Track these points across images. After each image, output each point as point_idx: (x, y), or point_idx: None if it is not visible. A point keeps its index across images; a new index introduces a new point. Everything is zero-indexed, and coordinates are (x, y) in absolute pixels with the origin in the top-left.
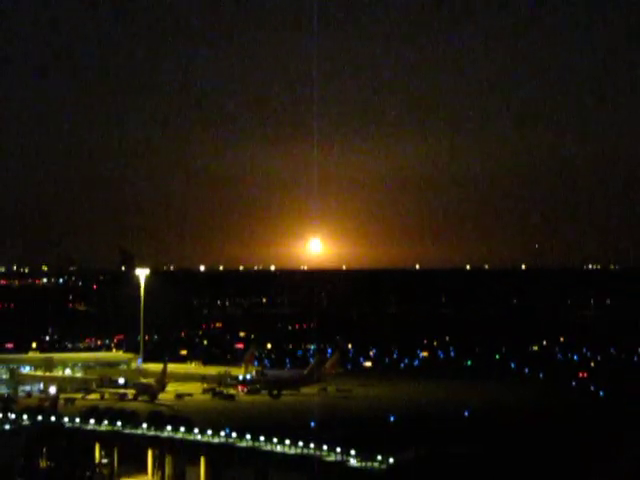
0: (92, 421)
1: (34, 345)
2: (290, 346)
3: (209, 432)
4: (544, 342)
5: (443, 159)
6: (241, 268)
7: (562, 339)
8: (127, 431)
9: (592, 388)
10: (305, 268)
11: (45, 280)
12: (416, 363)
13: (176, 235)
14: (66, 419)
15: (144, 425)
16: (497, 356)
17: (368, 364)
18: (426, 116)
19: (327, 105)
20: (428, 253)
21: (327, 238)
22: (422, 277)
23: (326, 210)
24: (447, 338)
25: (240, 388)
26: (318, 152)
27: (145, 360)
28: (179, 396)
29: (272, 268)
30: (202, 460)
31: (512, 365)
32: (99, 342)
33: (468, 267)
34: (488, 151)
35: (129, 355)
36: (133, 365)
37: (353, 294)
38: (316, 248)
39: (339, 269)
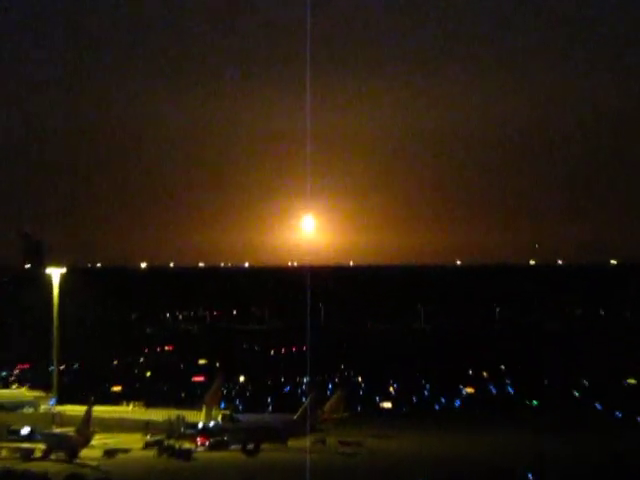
0: None
1: None
2: (273, 379)
3: None
4: None
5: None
6: (201, 265)
7: None
8: None
9: None
10: (295, 264)
11: None
12: (457, 403)
13: (105, 218)
14: None
15: None
16: (576, 392)
17: (387, 405)
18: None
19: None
20: (472, 243)
21: (324, 220)
22: (463, 277)
23: (322, 182)
24: (502, 366)
25: (200, 441)
26: (311, 104)
27: (60, 400)
28: (109, 453)
29: (246, 264)
30: None
31: (598, 406)
32: None
33: (532, 262)
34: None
35: (37, 393)
36: (43, 407)
37: (363, 302)
38: (309, 228)
39: (343, 265)
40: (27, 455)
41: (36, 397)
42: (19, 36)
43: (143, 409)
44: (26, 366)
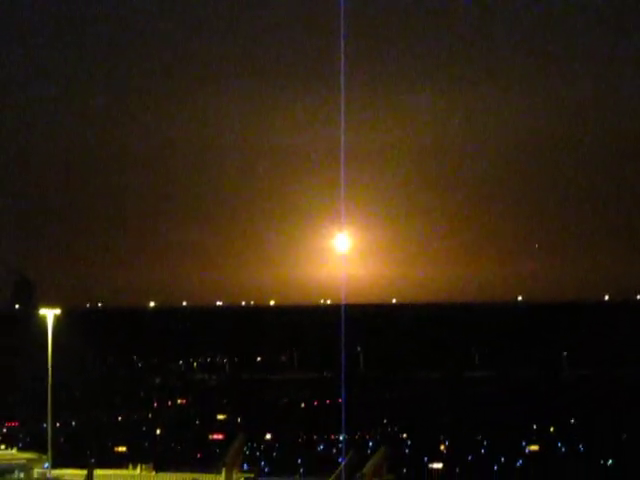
0: None
1: None
2: (304, 437)
3: None
4: None
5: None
6: (219, 304)
7: None
8: None
9: None
10: (328, 302)
11: None
12: (519, 463)
13: (105, 252)
14: None
15: None
16: None
17: (437, 465)
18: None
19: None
20: (535, 276)
21: (360, 244)
22: (524, 316)
23: (357, 205)
24: (572, 420)
25: None
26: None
27: (56, 463)
28: None
29: (271, 303)
30: None
31: None
32: None
33: (606, 298)
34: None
35: (29, 455)
36: (37, 472)
37: (408, 346)
38: (342, 246)
39: (383, 303)
40: None
41: (28, 460)
42: None
43: (152, 473)
44: (15, 423)
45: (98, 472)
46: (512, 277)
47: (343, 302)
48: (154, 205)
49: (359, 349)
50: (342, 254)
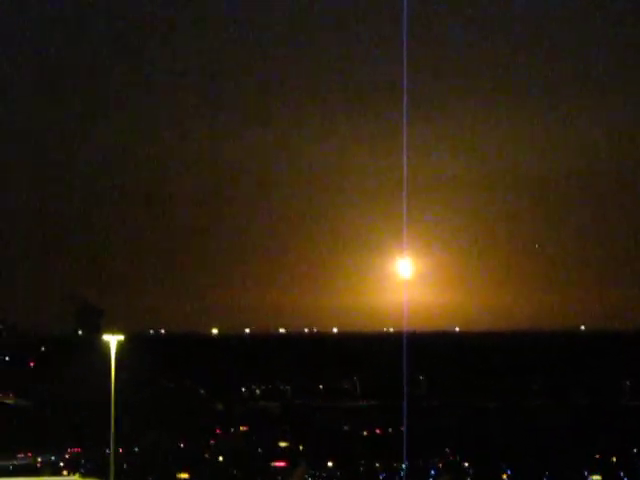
0: None
1: None
2: (366, 465)
3: None
4: None
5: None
6: (282, 331)
7: None
8: None
9: None
10: (391, 330)
11: None
12: None
13: (168, 280)
14: None
15: None
16: None
17: None
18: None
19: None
20: (603, 303)
21: (424, 263)
22: (586, 343)
23: (421, 231)
24: (635, 449)
25: None
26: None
27: None
28: None
29: (334, 330)
30: None
31: None
32: (38, 460)
33: None
34: None
35: None
36: None
37: (470, 375)
38: (405, 272)
39: (447, 331)
40: None
41: None
42: None
43: None
44: (78, 450)
45: None
46: (576, 304)
47: (405, 329)
48: (217, 234)
49: (421, 378)
50: (405, 280)
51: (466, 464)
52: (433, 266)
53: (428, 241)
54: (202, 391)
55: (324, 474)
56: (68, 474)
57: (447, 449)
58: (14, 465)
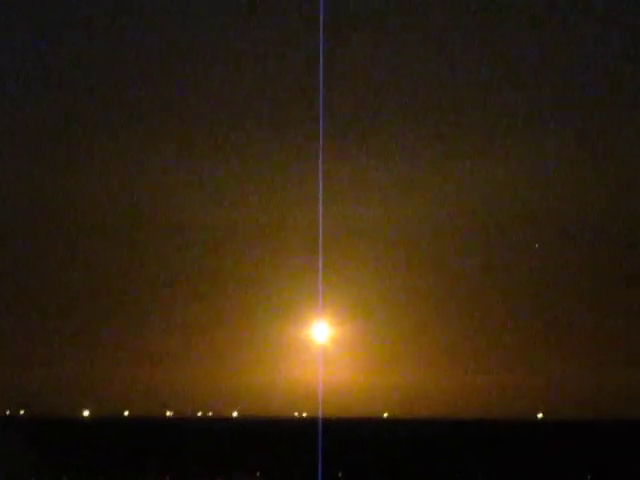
0: None
1: None
2: None
3: None
4: None
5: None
6: (169, 414)
7: None
8: None
9: None
10: (304, 415)
11: None
12: None
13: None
14: None
15: None
16: None
17: None
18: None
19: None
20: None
21: (344, 327)
22: (542, 435)
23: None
24: None
25: None
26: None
27: None
28: None
29: (234, 414)
30: None
31: None
32: None
33: None
34: None
35: None
36: None
37: (401, 471)
38: (321, 339)
39: (374, 417)
40: None
41: None
42: None
43: None
44: None
45: None
46: (533, 390)
47: (320, 414)
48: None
49: (340, 474)
50: (321, 345)
51: None
52: (354, 333)
53: (348, 304)
54: None
55: None
56: None
57: None
58: None
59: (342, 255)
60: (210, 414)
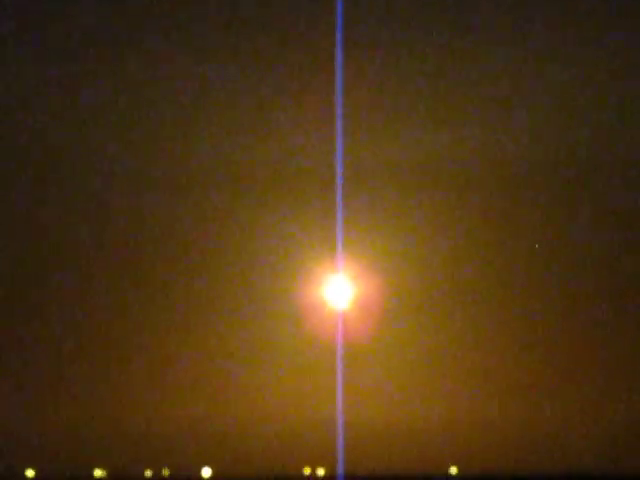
0: None
1: None
2: None
3: None
4: None
5: None
6: (98, 474)
7: None
8: None
9: None
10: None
11: None
12: None
13: None
14: None
15: None
16: None
17: None
18: None
19: None
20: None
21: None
22: None
23: None
24: None
25: None
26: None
27: None
28: None
29: (205, 474)
30: None
31: None
32: None
33: None
34: None
35: None
36: None
37: None
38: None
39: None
40: None
41: None
42: None
43: None
44: None
45: None
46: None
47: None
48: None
49: None
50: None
51: None
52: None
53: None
54: None
55: None
56: None
57: None
58: None
59: (364, 200)
60: (167, 474)
